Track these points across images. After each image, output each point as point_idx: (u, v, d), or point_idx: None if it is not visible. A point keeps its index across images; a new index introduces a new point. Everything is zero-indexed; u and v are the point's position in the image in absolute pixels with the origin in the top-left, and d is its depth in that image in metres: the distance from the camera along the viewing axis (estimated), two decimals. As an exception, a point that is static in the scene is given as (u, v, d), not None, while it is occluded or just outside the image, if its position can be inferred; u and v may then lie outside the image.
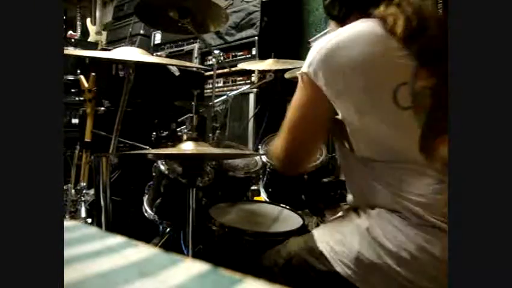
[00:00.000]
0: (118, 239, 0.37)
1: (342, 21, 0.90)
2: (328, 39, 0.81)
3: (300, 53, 2.92)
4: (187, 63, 2.51)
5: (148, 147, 1.76)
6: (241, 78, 2.85)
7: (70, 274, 0.28)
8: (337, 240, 0.82)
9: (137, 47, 1.34)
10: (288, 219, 1.21)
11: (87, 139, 1.44)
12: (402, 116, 0.76)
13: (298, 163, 0.95)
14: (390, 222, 0.77)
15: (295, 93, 0.88)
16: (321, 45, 0.82)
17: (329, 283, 0.81)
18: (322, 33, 2.48)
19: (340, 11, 0.90)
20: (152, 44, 3.60)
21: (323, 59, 0.80)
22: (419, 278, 0.73)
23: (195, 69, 2.56)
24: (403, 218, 0.77)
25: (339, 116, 0.83)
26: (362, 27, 0.81)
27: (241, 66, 2.01)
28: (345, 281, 0.78)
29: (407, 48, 0.75)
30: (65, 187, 1.47)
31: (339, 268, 0.79)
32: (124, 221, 1.42)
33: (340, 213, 0.94)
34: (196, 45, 3.20)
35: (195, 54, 3.19)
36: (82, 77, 1.48)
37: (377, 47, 0.78)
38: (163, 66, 2.14)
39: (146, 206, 1.42)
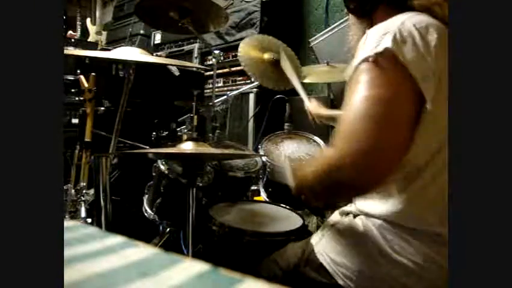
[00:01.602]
0: (118, 239, 0.36)
1: (367, 15, 0.84)
2: (399, 20, 0.71)
3: (300, 53, 2.92)
4: (187, 63, 2.51)
5: (147, 147, 1.76)
6: (241, 78, 2.85)
7: (70, 274, 0.28)
8: (338, 251, 0.79)
9: (137, 47, 1.34)
10: (288, 219, 1.21)
11: (87, 139, 1.44)
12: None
13: (379, 175, 0.69)
14: (394, 232, 0.74)
15: (360, 89, 0.69)
16: (394, 23, 0.71)
17: None
18: (322, 33, 2.48)
19: (366, 2, 0.83)
20: (152, 44, 3.60)
21: (403, 35, 0.68)
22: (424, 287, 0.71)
23: (194, 69, 2.56)
24: (408, 227, 0.73)
25: (429, 106, 0.68)
26: (419, 17, 0.73)
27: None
28: None
29: None
30: (65, 187, 1.47)
31: (340, 281, 0.76)
32: (124, 221, 1.42)
33: (336, 217, 0.89)
34: (196, 45, 3.20)
35: (195, 54, 3.19)
36: (82, 77, 1.48)
37: (443, 33, 0.70)
38: (163, 66, 2.14)
39: (146, 206, 1.42)
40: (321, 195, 0.76)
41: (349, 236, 0.80)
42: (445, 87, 0.68)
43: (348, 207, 0.87)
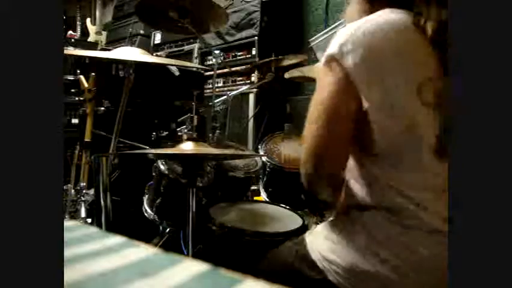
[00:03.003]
0: (118, 239, 0.36)
1: (368, 3, 0.86)
2: (356, 25, 0.77)
3: (300, 53, 2.92)
4: (187, 63, 2.51)
5: (147, 147, 1.76)
6: (241, 78, 2.85)
7: (70, 274, 0.28)
8: (328, 248, 0.80)
9: (137, 47, 1.34)
10: (288, 219, 1.21)
11: (87, 139, 1.44)
12: (422, 112, 0.73)
13: (326, 170, 0.80)
14: (384, 228, 0.75)
15: (318, 88, 0.80)
16: (349, 29, 0.76)
17: None
18: (322, 33, 2.48)
19: None
20: (152, 44, 3.60)
21: (352, 40, 0.75)
22: (414, 284, 0.72)
23: (194, 69, 2.56)
24: (399, 220, 0.75)
25: (366, 105, 0.76)
26: (393, 16, 0.77)
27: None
28: None
29: (433, 48, 0.73)
30: (65, 187, 1.48)
31: (331, 277, 0.78)
32: (124, 221, 1.42)
33: (331, 218, 0.90)
34: (196, 45, 3.20)
35: (195, 54, 3.19)
36: (81, 77, 1.48)
37: (407, 36, 0.76)
38: (163, 66, 2.14)
39: (146, 206, 1.42)
40: (310, 188, 0.85)
41: (339, 233, 0.81)
42: (404, 89, 0.74)
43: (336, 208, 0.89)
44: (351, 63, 0.74)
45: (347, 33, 0.76)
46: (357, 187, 0.82)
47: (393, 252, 0.74)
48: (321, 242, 0.83)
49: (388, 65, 0.74)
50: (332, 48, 0.77)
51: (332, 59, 0.76)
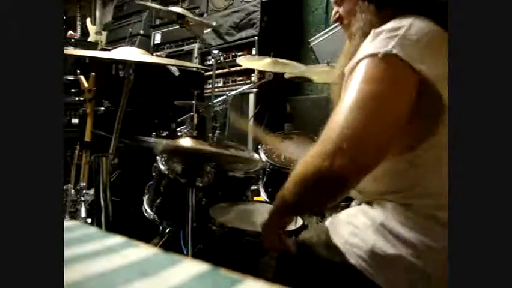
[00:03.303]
0: (118, 239, 0.37)
1: (377, 8, 0.84)
2: (401, 27, 0.74)
3: (300, 53, 2.92)
4: (187, 63, 2.51)
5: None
6: (241, 78, 2.85)
7: (70, 274, 0.28)
8: (350, 232, 0.81)
9: (137, 47, 1.34)
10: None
11: (87, 139, 1.44)
12: None
13: (367, 160, 0.71)
14: (405, 215, 0.76)
15: (357, 83, 0.72)
16: (397, 30, 0.74)
17: (342, 276, 0.80)
18: (322, 33, 2.48)
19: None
20: (152, 44, 3.60)
21: (412, 38, 0.72)
22: (435, 270, 0.72)
23: (194, 69, 2.56)
24: (421, 213, 0.76)
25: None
26: (423, 23, 0.77)
27: (239, 61, 2.03)
28: (359, 274, 0.77)
29: None
30: (65, 187, 1.47)
31: (353, 260, 0.78)
32: (124, 221, 1.42)
33: (352, 208, 0.91)
34: (196, 45, 3.20)
35: (195, 54, 3.19)
36: (81, 77, 1.48)
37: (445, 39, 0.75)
38: (163, 66, 2.14)
39: (146, 206, 1.42)
40: (308, 195, 0.76)
41: (361, 218, 0.82)
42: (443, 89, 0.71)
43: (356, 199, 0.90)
44: (421, 65, 0.70)
45: (403, 29, 0.73)
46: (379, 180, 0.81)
47: (416, 236, 0.74)
48: (343, 227, 0.83)
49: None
50: (392, 43, 0.72)
51: (390, 55, 0.71)
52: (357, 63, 0.75)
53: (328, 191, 0.74)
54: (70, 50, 2.41)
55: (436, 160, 0.76)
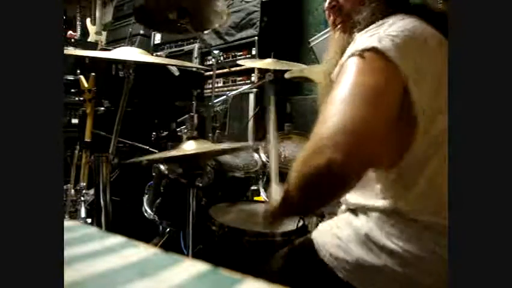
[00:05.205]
0: (118, 239, 0.37)
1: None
2: (381, 28, 0.75)
3: (300, 53, 2.92)
4: (187, 63, 2.51)
5: (147, 147, 1.76)
6: (241, 78, 2.85)
7: (70, 274, 0.28)
8: (336, 245, 0.81)
9: (137, 47, 1.34)
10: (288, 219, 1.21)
11: (87, 139, 1.44)
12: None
13: (367, 159, 0.66)
14: (391, 224, 0.76)
15: (347, 78, 0.71)
16: (378, 30, 0.75)
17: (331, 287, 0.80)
18: (322, 33, 2.48)
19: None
20: (152, 44, 3.60)
21: (398, 35, 0.72)
22: (423, 277, 0.72)
23: (194, 69, 2.56)
24: (407, 220, 0.75)
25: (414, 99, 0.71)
26: (410, 23, 0.77)
27: (242, 62, 2.04)
28: (348, 285, 0.77)
29: None
30: (65, 187, 1.47)
31: (339, 273, 0.78)
32: (124, 221, 1.42)
33: (337, 218, 0.89)
34: (196, 45, 3.20)
35: (195, 54, 3.19)
36: (81, 77, 1.48)
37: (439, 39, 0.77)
38: (163, 66, 2.14)
39: (146, 206, 1.42)
40: (305, 196, 0.71)
41: (346, 230, 0.82)
42: (445, 90, 0.70)
43: (343, 205, 0.88)
44: (398, 58, 0.70)
45: (383, 29, 0.74)
46: (366, 190, 0.81)
47: (401, 246, 0.73)
48: (329, 240, 0.83)
49: (435, 60, 0.73)
50: (372, 41, 0.72)
51: (373, 51, 0.70)
52: (341, 66, 0.75)
53: (329, 189, 0.68)
54: (70, 50, 2.41)
55: (421, 165, 0.75)
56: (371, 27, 0.78)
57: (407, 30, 0.75)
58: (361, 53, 0.71)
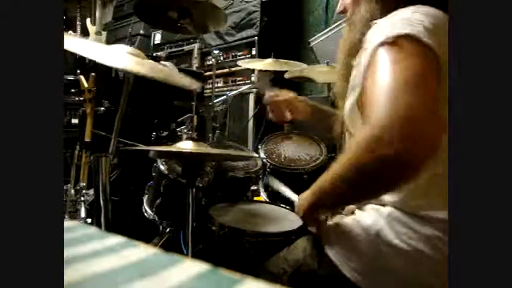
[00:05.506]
0: (118, 239, 0.36)
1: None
2: (407, 14, 0.74)
3: (300, 53, 2.92)
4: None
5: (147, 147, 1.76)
6: (241, 78, 2.85)
7: (70, 274, 0.28)
8: (344, 244, 0.80)
9: (137, 47, 1.34)
10: (288, 219, 1.20)
11: (87, 139, 1.44)
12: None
13: (430, 146, 0.62)
14: (403, 222, 0.75)
15: (389, 64, 0.69)
16: (405, 16, 0.73)
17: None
18: (322, 33, 2.48)
19: None
20: (152, 44, 3.60)
21: (424, 20, 0.71)
22: (433, 279, 0.71)
23: (194, 69, 2.56)
24: (418, 216, 0.74)
25: None
26: (429, 9, 0.76)
27: (241, 63, 2.03)
28: (354, 286, 0.76)
29: None
30: (65, 187, 1.47)
31: (348, 273, 0.77)
32: (124, 221, 1.42)
33: (345, 217, 0.88)
34: (196, 46, 3.20)
35: (195, 54, 3.19)
36: (81, 77, 1.48)
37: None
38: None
39: (146, 206, 1.42)
40: (360, 186, 0.68)
41: (356, 229, 0.80)
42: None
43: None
44: (435, 42, 0.68)
45: (409, 14, 0.73)
46: None
47: (412, 246, 0.73)
48: (337, 239, 0.82)
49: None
50: (405, 27, 0.70)
51: (407, 37, 0.69)
52: (373, 53, 0.73)
53: (392, 179, 0.65)
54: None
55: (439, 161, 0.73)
56: (390, 14, 0.78)
57: (430, 15, 0.74)
58: (394, 40, 0.70)
